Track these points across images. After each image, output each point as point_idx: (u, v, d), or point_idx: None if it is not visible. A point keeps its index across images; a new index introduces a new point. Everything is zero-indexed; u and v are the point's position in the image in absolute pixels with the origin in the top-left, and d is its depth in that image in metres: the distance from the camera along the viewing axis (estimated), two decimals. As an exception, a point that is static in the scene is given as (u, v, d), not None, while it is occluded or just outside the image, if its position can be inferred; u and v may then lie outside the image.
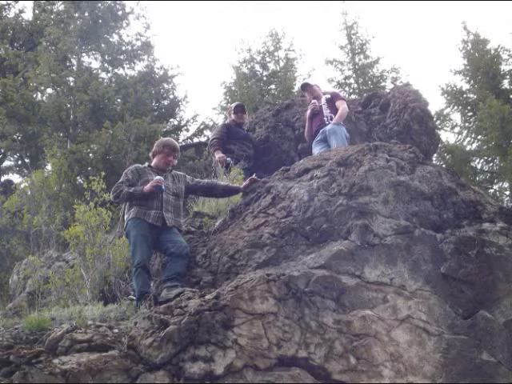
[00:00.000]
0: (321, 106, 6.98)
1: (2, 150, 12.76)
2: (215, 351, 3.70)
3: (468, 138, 12.56)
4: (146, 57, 13.05)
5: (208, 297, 4.00)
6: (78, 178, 9.46)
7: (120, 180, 5.24)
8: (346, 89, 14.49)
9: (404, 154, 5.06)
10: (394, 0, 33.93)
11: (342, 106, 6.85)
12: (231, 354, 3.70)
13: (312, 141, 6.87)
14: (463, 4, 38.34)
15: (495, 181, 12.07)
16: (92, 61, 13.81)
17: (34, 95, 11.80)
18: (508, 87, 12.30)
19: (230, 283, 4.15)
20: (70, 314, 4.37)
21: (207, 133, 12.30)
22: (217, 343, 3.73)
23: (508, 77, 12.35)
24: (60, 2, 13.75)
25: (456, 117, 13.63)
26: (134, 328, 3.94)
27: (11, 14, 14.03)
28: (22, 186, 9.36)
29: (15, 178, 16.32)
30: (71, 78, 11.24)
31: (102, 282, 5.45)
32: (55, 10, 13.92)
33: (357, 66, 14.51)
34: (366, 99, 8.31)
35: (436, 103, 25.90)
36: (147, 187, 5.00)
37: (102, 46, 12.63)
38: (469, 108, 12.60)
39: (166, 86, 12.83)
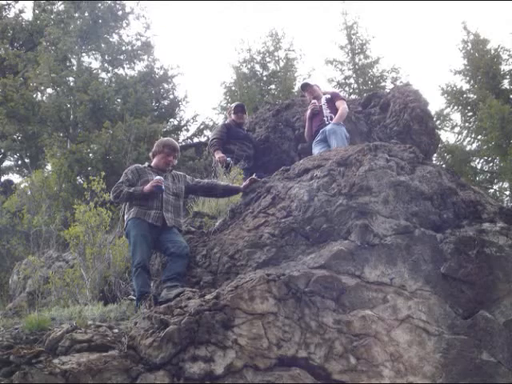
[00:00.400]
0: (321, 105, 6.97)
1: (2, 150, 12.76)
2: (215, 351, 3.70)
3: (468, 138, 12.57)
4: (146, 57, 13.07)
5: (208, 297, 4.00)
6: (78, 178, 9.46)
7: (120, 180, 5.24)
8: (346, 89, 14.50)
9: (404, 154, 5.05)
10: (394, 0, 33.94)
11: (342, 106, 6.85)
12: (231, 354, 3.70)
13: (312, 141, 6.87)
14: (463, 4, 38.37)
15: (495, 181, 12.06)
16: (92, 61, 13.85)
17: (34, 95, 11.80)
18: (508, 87, 12.30)
19: (230, 283, 4.15)
20: (70, 313, 4.37)
21: (207, 133, 12.31)
22: (217, 343, 3.73)
23: (508, 77, 12.35)
24: (60, 2, 13.75)
25: (456, 117, 13.65)
26: (133, 328, 3.94)
27: (11, 14, 14.07)
28: (22, 186, 9.36)
29: (15, 178, 16.34)
30: (71, 78, 11.23)
31: (102, 282, 5.45)
32: (55, 10, 13.93)
33: (357, 66, 14.50)
34: (365, 99, 8.31)
35: (436, 103, 25.96)
36: (147, 187, 5.00)
37: (102, 46, 12.63)
38: (469, 108, 12.60)
39: (166, 85, 12.84)
